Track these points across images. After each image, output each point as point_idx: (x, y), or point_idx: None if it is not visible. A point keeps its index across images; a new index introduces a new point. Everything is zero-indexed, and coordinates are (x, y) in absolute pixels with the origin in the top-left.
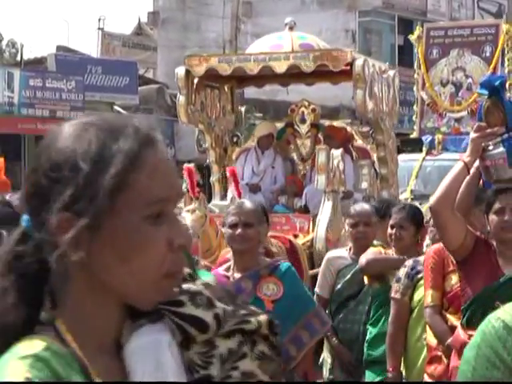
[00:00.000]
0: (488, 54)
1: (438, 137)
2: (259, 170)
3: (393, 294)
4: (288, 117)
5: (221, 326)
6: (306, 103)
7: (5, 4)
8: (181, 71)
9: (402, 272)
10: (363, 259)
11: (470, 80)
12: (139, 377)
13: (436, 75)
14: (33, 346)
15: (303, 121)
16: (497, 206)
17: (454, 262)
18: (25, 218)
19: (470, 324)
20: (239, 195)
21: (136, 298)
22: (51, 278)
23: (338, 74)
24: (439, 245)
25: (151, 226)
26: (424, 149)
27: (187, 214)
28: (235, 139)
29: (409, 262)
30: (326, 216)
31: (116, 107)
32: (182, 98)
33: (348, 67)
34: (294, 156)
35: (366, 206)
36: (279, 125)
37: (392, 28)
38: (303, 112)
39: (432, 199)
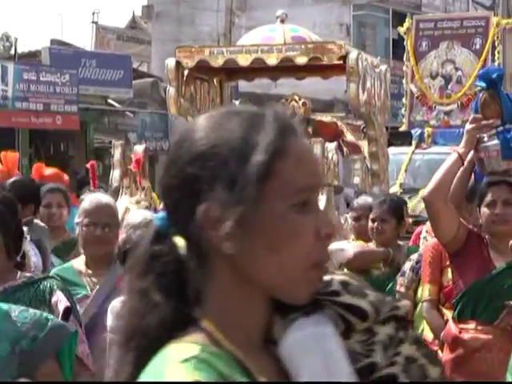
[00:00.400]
0: (478, 47)
1: (428, 130)
2: None
3: (398, 288)
4: None
5: (379, 313)
6: (297, 97)
7: None
8: (171, 62)
9: (408, 266)
10: (350, 252)
11: (459, 73)
12: (308, 373)
13: (425, 68)
14: (188, 348)
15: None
16: (488, 198)
17: (447, 254)
18: (158, 215)
19: (462, 317)
20: None
21: (285, 290)
22: (191, 275)
23: (330, 68)
24: None
25: (298, 215)
26: (413, 142)
27: (133, 206)
28: None
29: (414, 256)
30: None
31: (110, 101)
32: (171, 90)
33: (340, 61)
34: None
35: (369, 200)
36: None
37: (386, 22)
38: (294, 106)
39: (425, 190)
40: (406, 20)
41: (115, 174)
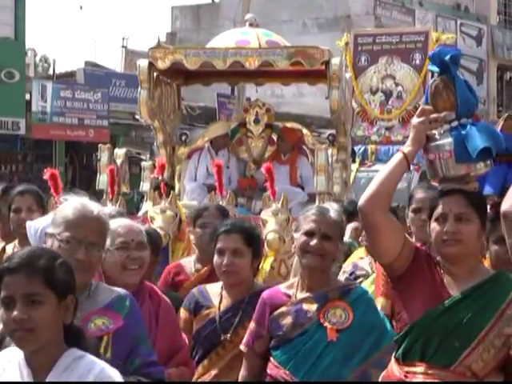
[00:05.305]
0: (418, 62)
1: (371, 147)
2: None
3: None
4: (241, 116)
5: None
6: (261, 103)
7: (38, 23)
8: (143, 63)
9: (342, 278)
10: None
11: (400, 88)
12: None
13: (365, 83)
14: None
15: (257, 121)
16: (438, 211)
17: (388, 279)
18: None
19: (407, 359)
20: (221, 193)
21: None
22: None
23: (306, 75)
24: None
25: None
26: (357, 159)
27: (158, 216)
28: (184, 138)
29: (348, 267)
30: None
31: (137, 116)
32: (143, 93)
33: (322, 67)
34: (246, 157)
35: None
36: (232, 124)
37: None
38: (257, 112)
39: (362, 197)
40: (345, 34)
41: (102, 179)
